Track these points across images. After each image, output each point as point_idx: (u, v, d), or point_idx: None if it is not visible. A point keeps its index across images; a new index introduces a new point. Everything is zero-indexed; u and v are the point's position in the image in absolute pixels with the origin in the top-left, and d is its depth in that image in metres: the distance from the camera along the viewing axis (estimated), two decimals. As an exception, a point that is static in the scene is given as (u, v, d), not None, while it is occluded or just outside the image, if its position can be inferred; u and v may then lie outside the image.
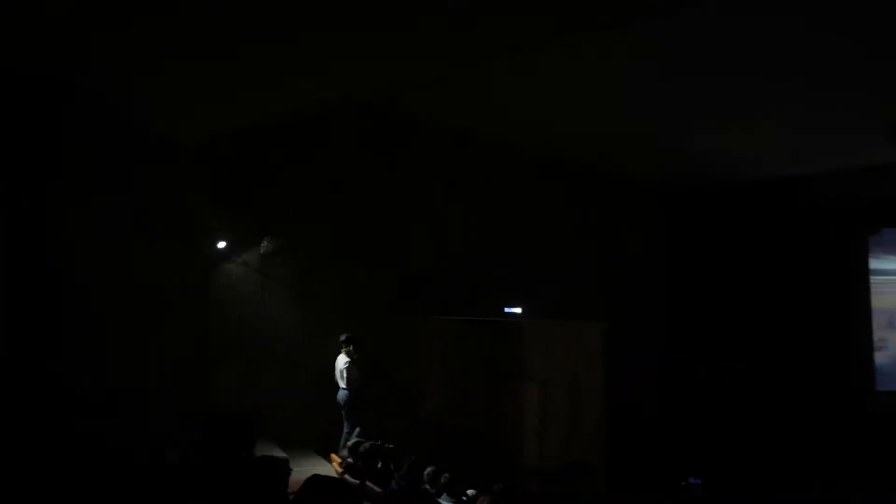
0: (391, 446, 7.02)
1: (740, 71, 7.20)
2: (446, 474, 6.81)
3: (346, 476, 6.01)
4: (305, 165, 8.14)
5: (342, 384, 7.71)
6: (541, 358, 10.83)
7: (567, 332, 10.69)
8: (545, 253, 10.11)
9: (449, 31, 4.83)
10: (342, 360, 7.75)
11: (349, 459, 6.52)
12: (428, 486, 6.55)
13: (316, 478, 2.92)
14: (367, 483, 5.89)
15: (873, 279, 12.25)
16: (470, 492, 7.00)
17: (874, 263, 12.28)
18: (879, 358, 12.08)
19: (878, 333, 12.15)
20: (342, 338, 7.77)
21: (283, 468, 3.72)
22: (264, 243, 7.81)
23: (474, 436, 10.10)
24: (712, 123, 8.84)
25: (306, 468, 6.14)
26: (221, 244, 7.57)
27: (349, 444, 6.68)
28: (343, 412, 7.64)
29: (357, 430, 7.45)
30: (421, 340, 9.07)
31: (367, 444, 6.53)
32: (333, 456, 7.13)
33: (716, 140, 9.46)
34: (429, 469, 6.82)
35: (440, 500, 6.48)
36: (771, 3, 5.89)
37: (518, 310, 9.34)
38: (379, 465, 6.50)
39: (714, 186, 11.51)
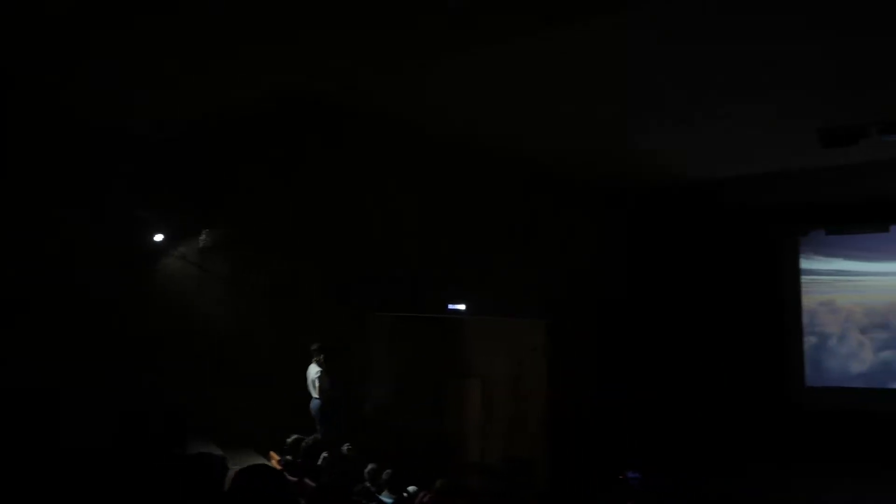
0: (349, 447, 7.00)
1: (681, 72, 7.34)
2: (388, 471, 6.80)
3: (285, 473, 5.92)
4: (249, 158, 7.95)
5: (315, 394, 7.63)
6: (484, 355, 10.89)
7: (511, 329, 10.78)
8: (492, 250, 10.14)
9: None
10: (314, 370, 7.66)
11: (288, 457, 6.43)
12: (369, 483, 6.52)
13: (251, 469, 2.82)
14: (305, 479, 5.83)
15: (803, 279, 12.72)
16: (411, 488, 6.99)
17: (804, 263, 12.75)
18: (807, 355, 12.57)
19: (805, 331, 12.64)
20: (314, 347, 7.65)
21: (219, 466, 3.62)
22: (202, 237, 7.62)
23: (417, 433, 10.07)
24: (656, 124, 9.00)
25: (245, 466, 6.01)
26: (158, 237, 7.36)
27: (289, 440, 6.60)
28: (316, 422, 7.56)
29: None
30: (363, 337, 8.99)
31: (308, 440, 6.47)
32: (272, 454, 7.02)
33: (656, 141, 9.64)
34: (370, 466, 6.80)
35: (381, 497, 6.45)
36: (716, 4, 6.03)
37: (462, 306, 9.35)
38: (320, 462, 6.44)
39: (654, 187, 11.73)
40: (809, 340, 12.60)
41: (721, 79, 7.50)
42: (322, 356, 7.61)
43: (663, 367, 11.29)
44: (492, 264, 10.10)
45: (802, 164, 10.57)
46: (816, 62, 7.02)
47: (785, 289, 12.76)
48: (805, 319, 12.64)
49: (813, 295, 12.66)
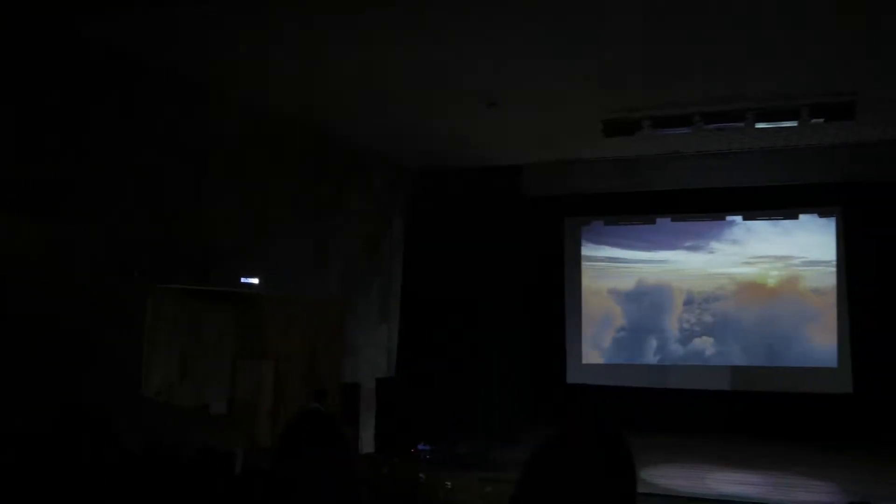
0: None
1: (473, 53, 7.52)
2: (171, 450, 6.36)
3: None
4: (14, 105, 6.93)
5: None
6: (278, 333, 10.57)
7: (307, 306, 10.56)
8: (291, 223, 9.82)
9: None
10: None
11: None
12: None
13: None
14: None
15: (584, 265, 13.77)
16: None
17: (585, 251, 13.81)
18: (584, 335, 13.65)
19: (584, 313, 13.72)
20: (314, 391, 8.97)
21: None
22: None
23: (204, 414, 9.57)
24: (453, 107, 9.20)
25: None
26: None
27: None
28: None
29: None
30: (144, 311, 8.28)
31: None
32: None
33: (454, 124, 9.88)
34: (148, 443, 6.33)
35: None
36: None
37: (255, 280, 8.96)
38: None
39: (449, 168, 12.07)
40: (588, 322, 13.66)
41: (509, 65, 7.79)
42: (325, 399, 8.93)
43: (456, 346, 11.63)
44: (290, 238, 9.79)
45: (587, 156, 11.41)
46: (598, 55, 7.56)
47: (569, 274, 13.72)
48: (584, 303, 13.69)
49: (592, 280, 13.73)
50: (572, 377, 13.43)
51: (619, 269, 13.70)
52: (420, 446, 9.40)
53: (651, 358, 13.23)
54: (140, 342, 8.23)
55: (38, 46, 6.85)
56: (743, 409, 11.95)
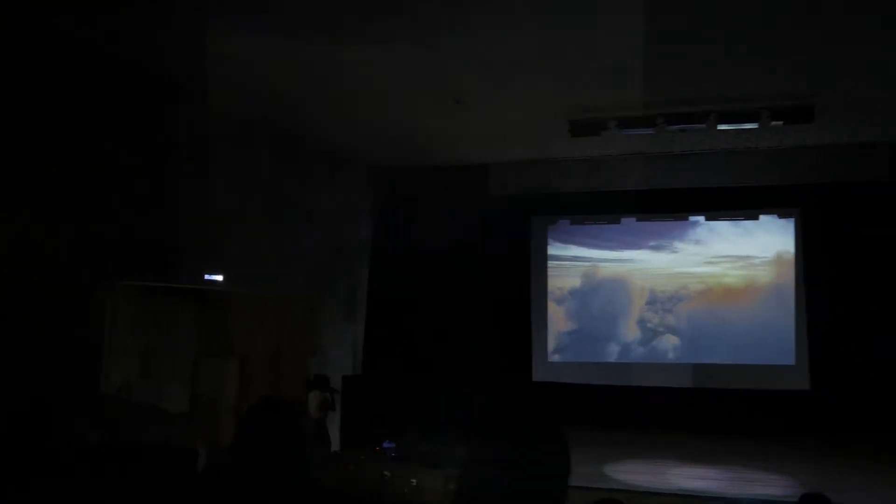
0: None
1: (442, 52, 7.54)
2: (132, 448, 6.28)
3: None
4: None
5: (316, 415, 9.29)
6: (243, 330, 10.49)
7: (272, 304, 10.49)
8: (256, 220, 9.74)
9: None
10: (316, 396, 9.35)
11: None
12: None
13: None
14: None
15: (550, 264, 13.88)
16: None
17: (551, 250, 13.92)
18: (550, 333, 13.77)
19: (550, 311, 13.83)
20: (311, 377, 9.44)
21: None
22: None
23: (166, 413, 9.44)
24: (416, 104, 9.21)
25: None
26: None
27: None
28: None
29: None
30: (106, 308, 8.15)
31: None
32: None
33: (419, 122, 9.90)
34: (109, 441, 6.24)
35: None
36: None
37: (219, 277, 8.87)
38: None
39: (416, 167, 12.09)
40: (553, 320, 13.77)
41: (477, 64, 7.82)
42: (325, 386, 9.44)
43: (422, 344, 11.65)
44: (256, 236, 9.71)
45: (553, 155, 11.51)
46: (565, 56, 7.63)
47: (536, 273, 13.82)
48: (550, 301, 13.80)
49: (558, 279, 13.85)
50: (538, 375, 13.52)
51: (585, 269, 13.83)
52: (385, 444, 9.40)
53: (615, 356, 13.39)
54: (102, 338, 8.10)
55: (9, 40, 6.70)
56: (703, 406, 12.15)
